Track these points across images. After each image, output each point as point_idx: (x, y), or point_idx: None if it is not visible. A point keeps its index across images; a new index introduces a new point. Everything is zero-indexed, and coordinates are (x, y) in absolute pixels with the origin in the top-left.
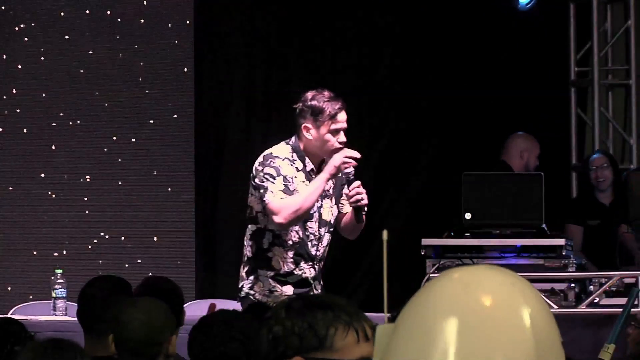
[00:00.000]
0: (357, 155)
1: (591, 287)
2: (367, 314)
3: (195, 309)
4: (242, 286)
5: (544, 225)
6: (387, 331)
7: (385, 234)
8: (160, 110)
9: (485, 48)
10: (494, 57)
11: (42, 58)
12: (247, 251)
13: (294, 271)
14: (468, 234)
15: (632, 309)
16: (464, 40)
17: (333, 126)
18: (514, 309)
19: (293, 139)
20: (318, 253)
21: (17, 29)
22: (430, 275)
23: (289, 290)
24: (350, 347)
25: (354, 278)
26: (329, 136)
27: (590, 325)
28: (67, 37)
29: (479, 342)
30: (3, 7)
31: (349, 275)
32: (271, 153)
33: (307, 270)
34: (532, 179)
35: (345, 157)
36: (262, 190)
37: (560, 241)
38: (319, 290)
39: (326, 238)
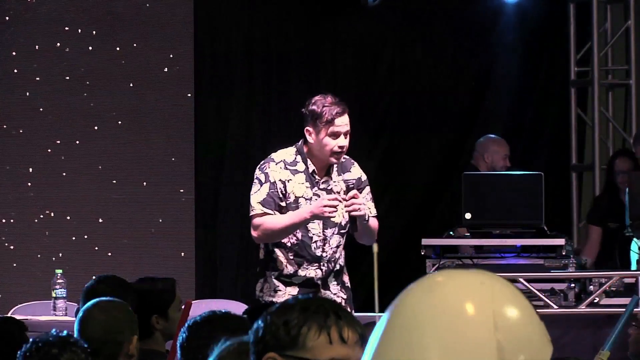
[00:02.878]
0: (337, 203)
1: (591, 287)
2: (367, 314)
3: (195, 309)
4: (255, 288)
5: (544, 225)
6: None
7: (375, 246)
8: (160, 109)
9: (486, 48)
10: (494, 57)
11: (40, 57)
12: (260, 254)
13: (298, 272)
14: (468, 234)
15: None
16: (465, 40)
17: (331, 129)
18: (480, 308)
19: (300, 141)
20: (324, 254)
21: (9, 34)
22: None
23: (293, 290)
24: (321, 348)
25: (354, 280)
26: (327, 140)
27: (590, 325)
28: (66, 36)
29: (447, 341)
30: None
31: (349, 277)
32: (271, 156)
33: (313, 272)
34: (532, 179)
35: (325, 206)
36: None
37: (560, 241)
38: (333, 291)
39: (335, 240)
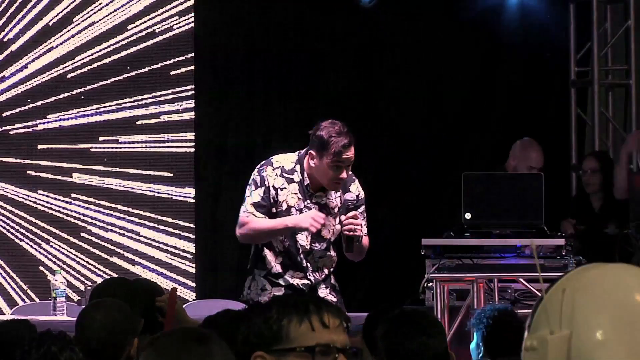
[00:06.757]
0: (322, 222)
1: None
2: (366, 314)
3: (195, 309)
4: (244, 286)
5: (544, 226)
6: (562, 342)
7: (533, 244)
8: (161, 109)
9: (485, 48)
10: (494, 56)
11: (43, 54)
12: (251, 251)
13: (285, 275)
14: (468, 234)
15: None
16: (465, 40)
17: (335, 161)
18: None
19: (304, 151)
20: (309, 265)
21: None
22: (430, 275)
23: (278, 292)
24: (305, 336)
25: (354, 280)
26: (329, 170)
27: None
28: (68, 36)
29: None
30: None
31: (349, 277)
32: (271, 159)
33: (299, 280)
34: (532, 179)
35: (314, 220)
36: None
37: (560, 241)
38: (322, 294)
39: (319, 253)
